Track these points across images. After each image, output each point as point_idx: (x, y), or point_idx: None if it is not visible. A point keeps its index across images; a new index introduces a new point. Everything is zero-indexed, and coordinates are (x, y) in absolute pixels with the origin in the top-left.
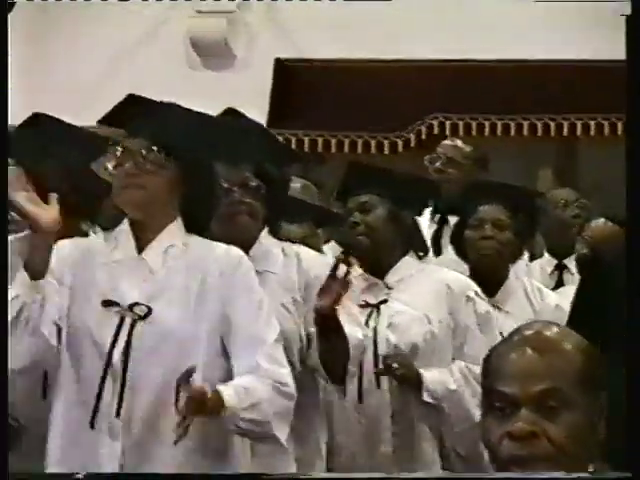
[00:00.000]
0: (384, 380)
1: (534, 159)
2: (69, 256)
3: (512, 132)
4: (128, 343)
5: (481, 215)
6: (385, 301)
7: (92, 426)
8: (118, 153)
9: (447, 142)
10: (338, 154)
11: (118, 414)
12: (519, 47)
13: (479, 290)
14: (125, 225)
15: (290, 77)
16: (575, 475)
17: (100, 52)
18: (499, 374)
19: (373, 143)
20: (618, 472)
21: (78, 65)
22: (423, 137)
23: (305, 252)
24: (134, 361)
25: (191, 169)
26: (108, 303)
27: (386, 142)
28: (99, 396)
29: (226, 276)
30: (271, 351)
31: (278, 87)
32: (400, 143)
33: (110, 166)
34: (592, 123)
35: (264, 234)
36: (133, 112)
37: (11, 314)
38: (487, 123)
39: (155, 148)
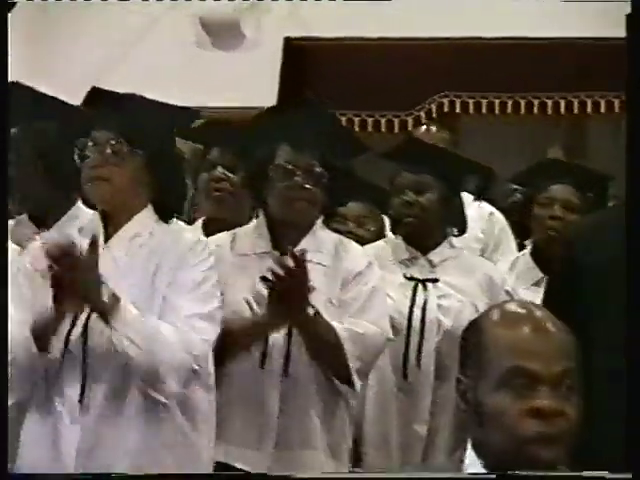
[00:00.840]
0: (428, 359)
1: (544, 137)
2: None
3: (522, 110)
4: (85, 330)
5: (552, 194)
6: (435, 280)
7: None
8: (88, 145)
9: (422, 128)
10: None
11: (81, 400)
12: (531, 25)
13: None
14: (95, 216)
15: (299, 56)
16: (575, 475)
17: (105, 38)
18: (517, 350)
19: (383, 122)
20: (618, 472)
21: (82, 58)
22: (434, 115)
23: (352, 247)
24: (92, 353)
25: (157, 158)
26: None
27: (396, 120)
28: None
29: (177, 259)
30: (193, 322)
31: (287, 66)
32: (410, 122)
33: (77, 158)
34: (602, 101)
35: (319, 224)
36: (99, 105)
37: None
38: (497, 101)
39: (119, 140)
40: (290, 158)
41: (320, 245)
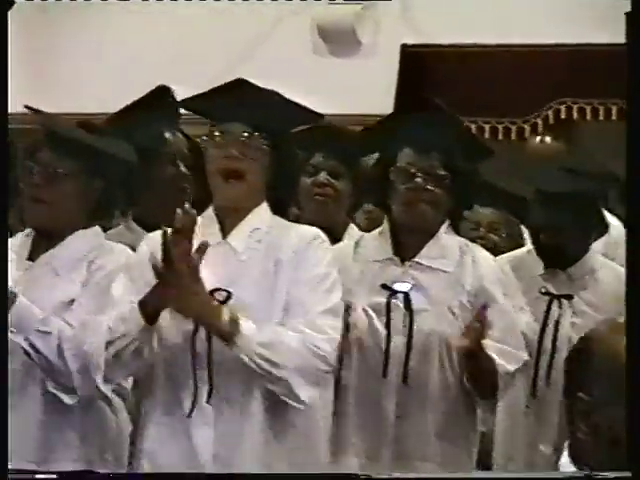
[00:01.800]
0: (557, 378)
1: None
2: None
3: None
4: (210, 341)
5: None
6: (570, 297)
7: (179, 411)
8: (217, 136)
9: (537, 139)
10: None
11: (209, 401)
12: None
13: None
14: (210, 211)
15: (416, 63)
16: (575, 475)
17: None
18: None
19: (500, 129)
20: (618, 472)
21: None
22: (551, 122)
23: (482, 255)
24: (217, 349)
25: (280, 154)
26: None
27: (513, 128)
28: (195, 382)
29: (297, 254)
30: (317, 320)
31: (404, 73)
32: (527, 128)
33: (211, 149)
34: None
35: (444, 228)
36: (235, 96)
37: (117, 348)
38: (614, 108)
39: (254, 133)
40: (411, 160)
41: (444, 251)
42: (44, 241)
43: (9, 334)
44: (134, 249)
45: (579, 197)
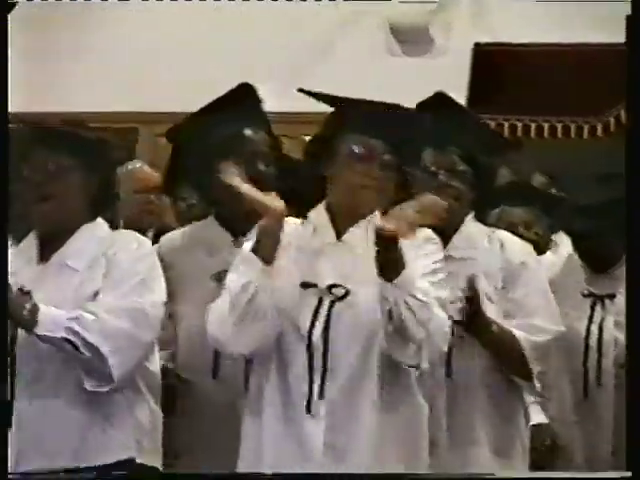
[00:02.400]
0: (608, 378)
1: None
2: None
3: None
4: (327, 324)
5: None
6: (613, 296)
7: (294, 404)
8: (360, 150)
9: None
10: (537, 139)
11: (321, 395)
12: None
13: None
14: (322, 211)
15: (489, 61)
16: (575, 475)
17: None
18: None
19: (573, 127)
20: (618, 472)
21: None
22: (622, 121)
23: (509, 239)
24: (332, 341)
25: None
26: (306, 285)
27: (586, 127)
28: (310, 378)
29: (413, 250)
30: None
31: (476, 72)
32: (599, 127)
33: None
34: None
35: (469, 219)
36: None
37: (243, 300)
38: None
39: (389, 150)
40: (432, 159)
41: (471, 241)
42: (51, 240)
43: (47, 333)
44: (214, 248)
45: (617, 202)
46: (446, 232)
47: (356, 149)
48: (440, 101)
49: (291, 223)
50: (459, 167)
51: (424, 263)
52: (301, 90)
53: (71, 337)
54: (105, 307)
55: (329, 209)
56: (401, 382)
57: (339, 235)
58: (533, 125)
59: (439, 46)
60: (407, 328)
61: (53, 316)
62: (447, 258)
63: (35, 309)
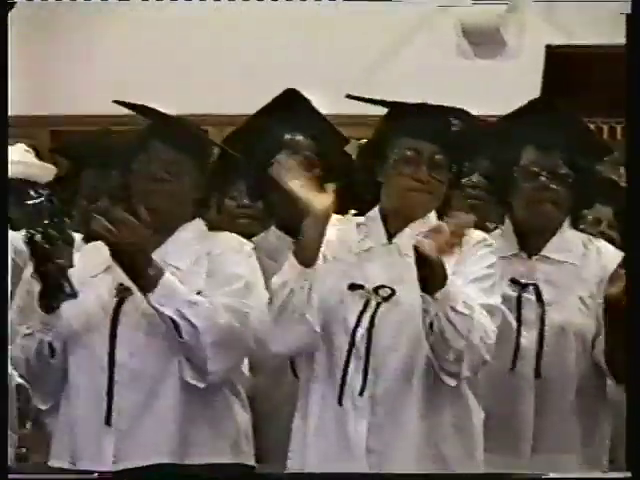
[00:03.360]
0: None
1: None
2: (330, 242)
3: None
4: (371, 324)
5: None
6: None
7: (340, 403)
8: (409, 154)
9: None
10: (609, 141)
11: (361, 393)
12: None
13: None
14: (376, 214)
15: (561, 64)
16: (575, 475)
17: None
18: None
19: None
20: (618, 472)
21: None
22: None
23: (605, 247)
24: (377, 341)
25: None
26: (354, 286)
27: None
28: (344, 375)
29: (463, 255)
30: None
31: (549, 74)
32: None
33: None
34: None
35: (567, 224)
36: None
37: (280, 300)
38: None
39: (441, 153)
40: (535, 159)
41: (569, 245)
42: (155, 235)
43: (157, 306)
44: (275, 257)
45: None
46: (545, 236)
47: (404, 152)
48: (546, 104)
49: (344, 224)
50: (561, 170)
51: (474, 269)
52: (349, 96)
53: (178, 320)
54: (214, 301)
55: (382, 212)
56: (448, 384)
57: (390, 238)
58: (605, 127)
59: (511, 48)
60: (447, 340)
61: (172, 289)
62: (543, 258)
63: (160, 273)
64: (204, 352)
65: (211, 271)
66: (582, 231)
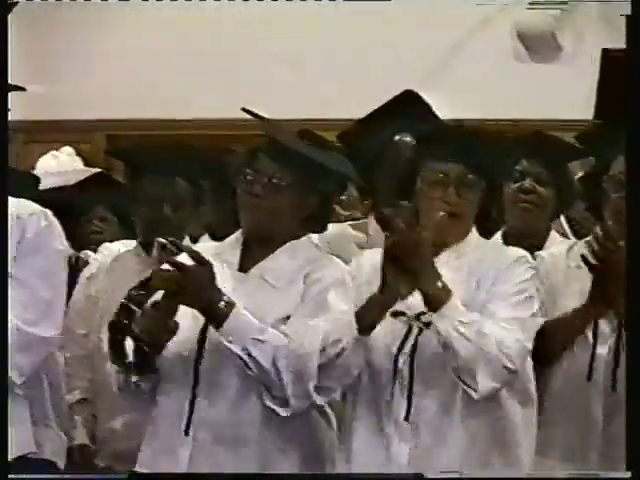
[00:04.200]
0: None
1: None
2: (369, 266)
3: None
4: (414, 350)
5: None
6: None
7: (383, 428)
8: (440, 176)
9: None
10: None
11: (407, 418)
12: None
13: None
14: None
15: (618, 68)
16: (576, 475)
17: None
18: None
19: None
20: (618, 472)
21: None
22: None
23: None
24: (419, 366)
25: (495, 192)
26: (396, 313)
27: None
28: (390, 399)
29: (499, 272)
30: (505, 322)
31: (605, 78)
32: None
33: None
34: None
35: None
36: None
37: (328, 355)
38: None
39: (474, 175)
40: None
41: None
42: (254, 250)
43: (226, 343)
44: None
45: None
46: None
47: (429, 176)
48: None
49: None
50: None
51: (503, 288)
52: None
53: (245, 358)
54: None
55: None
56: (487, 404)
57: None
58: None
59: (567, 52)
60: (457, 350)
61: (244, 323)
62: None
63: (231, 306)
64: (285, 388)
65: (305, 294)
66: None
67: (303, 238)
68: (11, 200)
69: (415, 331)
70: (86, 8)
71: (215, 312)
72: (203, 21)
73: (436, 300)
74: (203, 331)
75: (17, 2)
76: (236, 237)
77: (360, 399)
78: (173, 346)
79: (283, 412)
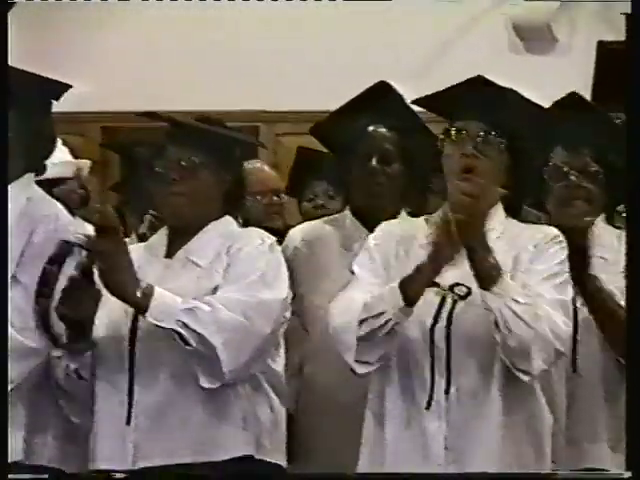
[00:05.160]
0: None
1: None
2: (395, 236)
3: None
4: (449, 322)
5: None
6: None
7: (428, 406)
8: (453, 134)
9: None
10: None
11: (447, 391)
12: None
13: None
14: (445, 209)
15: (613, 60)
16: (576, 474)
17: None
18: None
19: None
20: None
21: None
22: None
23: None
24: (455, 340)
25: (521, 157)
26: (429, 284)
27: None
28: (433, 374)
29: (535, 251)
30: (553, 306)
31: (601, 70)
32: None
33: (447, 147)
34: None
35: (600, 221)
36: (473, 94)
37: (370, 326)
38: None
39: (493, 133)
40: (564, 159)
41: (601, 240)
42: (179, 236)
43: (157, 323)
44: (350, 243)
45: None
46: (579, 233)
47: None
48: (574, 101)
49: (420, 223)
50: (591, 168)
51: (546, 266)
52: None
53: (181, 330)
54: (221, 300)
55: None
56: (523, 382)
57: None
58: None
59: (563, 44)
60: (512, 330)
61: (166, 305)
62: None
63: (150, 291)
64: (215, 354)
65: (229, 266)
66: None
67: (223, 217)
68: (27, 187)
69: (449, 303)
70: (86, 8)
71: (135, 299)
72: (203, 21)
73: (488, 276)
74: (134, 320)
75: (15, 2)
76: (163, 230)
77: (392, 375)
78: (105, 329)
79: (218, 383)
